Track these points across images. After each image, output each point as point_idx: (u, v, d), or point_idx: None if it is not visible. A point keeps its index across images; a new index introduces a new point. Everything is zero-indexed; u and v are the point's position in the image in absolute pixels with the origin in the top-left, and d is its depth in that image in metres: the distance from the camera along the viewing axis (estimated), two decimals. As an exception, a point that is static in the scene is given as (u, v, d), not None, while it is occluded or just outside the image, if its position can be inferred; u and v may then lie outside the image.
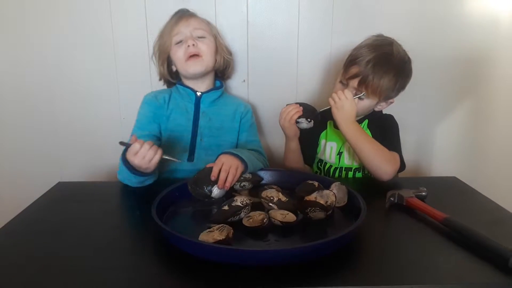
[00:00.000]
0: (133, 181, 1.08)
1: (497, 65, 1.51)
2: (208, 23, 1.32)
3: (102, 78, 1.46)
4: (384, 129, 1.24)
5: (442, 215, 0.87)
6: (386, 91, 1.18)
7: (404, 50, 1.21)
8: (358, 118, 1.25)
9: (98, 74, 1.46)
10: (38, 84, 1.46)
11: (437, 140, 1.59)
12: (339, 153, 1.27)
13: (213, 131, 1.28)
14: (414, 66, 1.48)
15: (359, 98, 1.17)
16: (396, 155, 1.16)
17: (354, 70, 1.18)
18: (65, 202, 1.05)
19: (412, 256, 0.77)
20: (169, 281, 0.71)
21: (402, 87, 1.22)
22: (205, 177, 1.00)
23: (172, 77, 1.34)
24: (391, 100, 1.24)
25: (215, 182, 0.99)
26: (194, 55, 1.24)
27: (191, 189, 1.00)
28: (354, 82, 1.17)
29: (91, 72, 1.46)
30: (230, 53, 1.37)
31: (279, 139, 1.54)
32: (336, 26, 1.41)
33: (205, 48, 1.26)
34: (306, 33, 1.45)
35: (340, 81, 1.24)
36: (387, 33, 1.24)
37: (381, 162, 1.12)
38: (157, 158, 1.01)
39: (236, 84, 1.50)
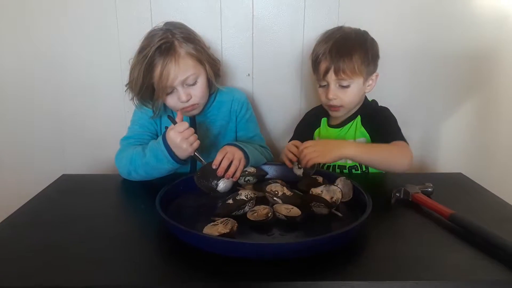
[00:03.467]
0: (163, 168, 1.05)
1: (504, 62, 1.50)
2: (193, 55, 1.12)
3: (105, 71, 1.45)
4: (379, 123, 1.20)
5: (448, 211, 0.86)
6: (364, 66, 1.16)
7: (355, 28, 1.22)
8: (354, 109, 1.24)
9: (101, 67, 1.45)
10: (42, 78, 1.46)
11: (443, 136, 1.58)
12: None
13: (212, 139, 1.25)
14: (421, 62, 1.49)
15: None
16: (402, 142, 1.13)
17: (323, 66, 1.17)
18: (69, 194, 1.05)
19: (418, 252, 0.76)
20: (173, 274, 0.71)
21: (375, 55, 1.21)
22: (212, 170, 1.00)
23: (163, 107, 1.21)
24: (375, 74, 1.22)
25: (222, 176, 0.99)
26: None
27: (197, 181, 1.00)
28: (331, 76, 1.16)
29: (95, 65, 1.45)
30: (218, 62, 1.24)
31: (281, 132, 1.55)
32: (342, 20, 1.39)
33: (199, 92, 1.15)
34: (312, 27, 1.43)
35: (320, 86, 1.22)
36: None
37: (395, 161, 1.09)
38: (196, 144, 1.02)
39: (241, 78, 1.49)
